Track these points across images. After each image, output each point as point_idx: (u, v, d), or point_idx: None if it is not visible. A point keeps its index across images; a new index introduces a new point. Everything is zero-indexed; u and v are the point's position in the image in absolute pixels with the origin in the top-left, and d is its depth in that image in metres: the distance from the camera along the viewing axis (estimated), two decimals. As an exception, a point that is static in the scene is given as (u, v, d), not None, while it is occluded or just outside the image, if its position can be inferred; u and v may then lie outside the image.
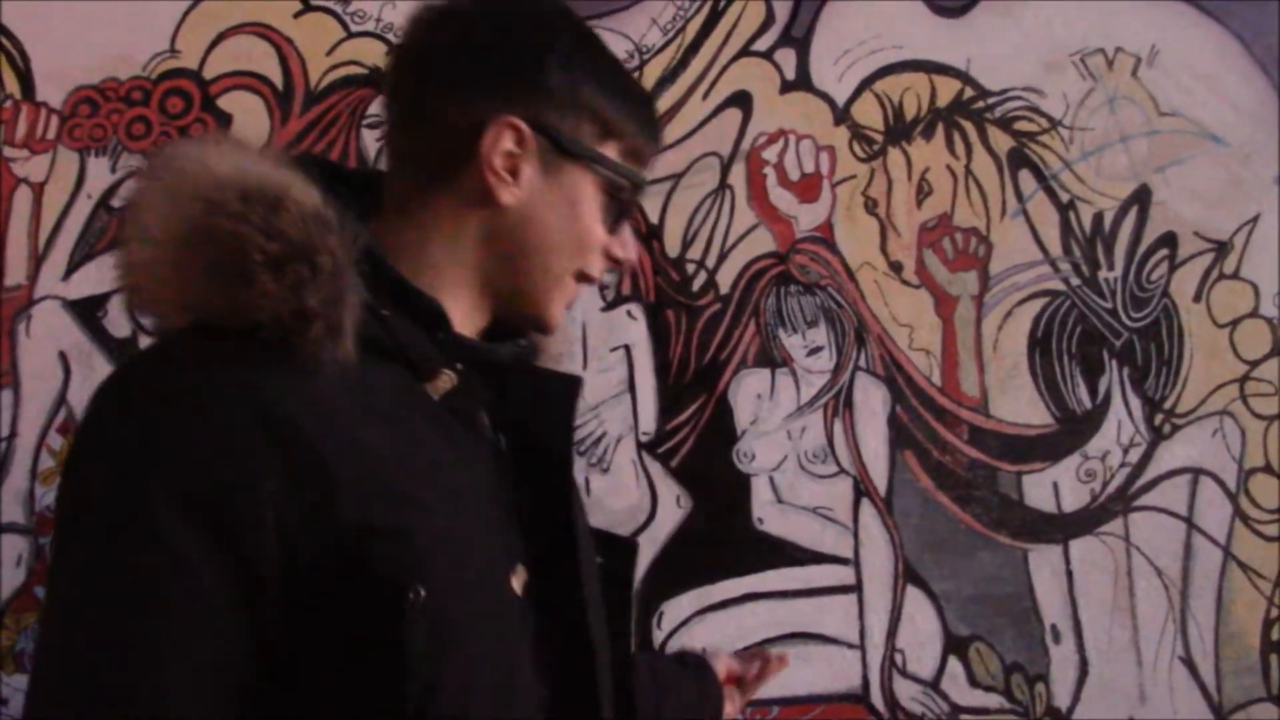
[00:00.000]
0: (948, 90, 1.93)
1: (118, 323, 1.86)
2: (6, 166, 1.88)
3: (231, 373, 0.78)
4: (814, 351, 1.89)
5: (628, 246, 1.00)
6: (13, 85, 1.87)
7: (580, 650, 0.92)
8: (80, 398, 1.85)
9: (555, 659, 0.89)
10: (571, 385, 0.98)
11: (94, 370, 1.84)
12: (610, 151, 0.94)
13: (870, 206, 1.91)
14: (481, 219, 0.92)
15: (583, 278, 0.98)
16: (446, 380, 0.88)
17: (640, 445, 1.87)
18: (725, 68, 1.92)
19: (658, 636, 1.84)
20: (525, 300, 0.95)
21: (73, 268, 1.87)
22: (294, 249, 0.79)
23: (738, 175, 1.90)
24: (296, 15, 1.89)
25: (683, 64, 1.91)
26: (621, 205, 0.97)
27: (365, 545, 0.76)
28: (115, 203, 1.86)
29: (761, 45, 1.92)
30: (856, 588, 1.86)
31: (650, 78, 1.90)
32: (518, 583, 0.87)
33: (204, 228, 0.79)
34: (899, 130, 1.92)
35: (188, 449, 0.75)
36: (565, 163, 0.92)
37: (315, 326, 0.78)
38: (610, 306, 1.88)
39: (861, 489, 1.87)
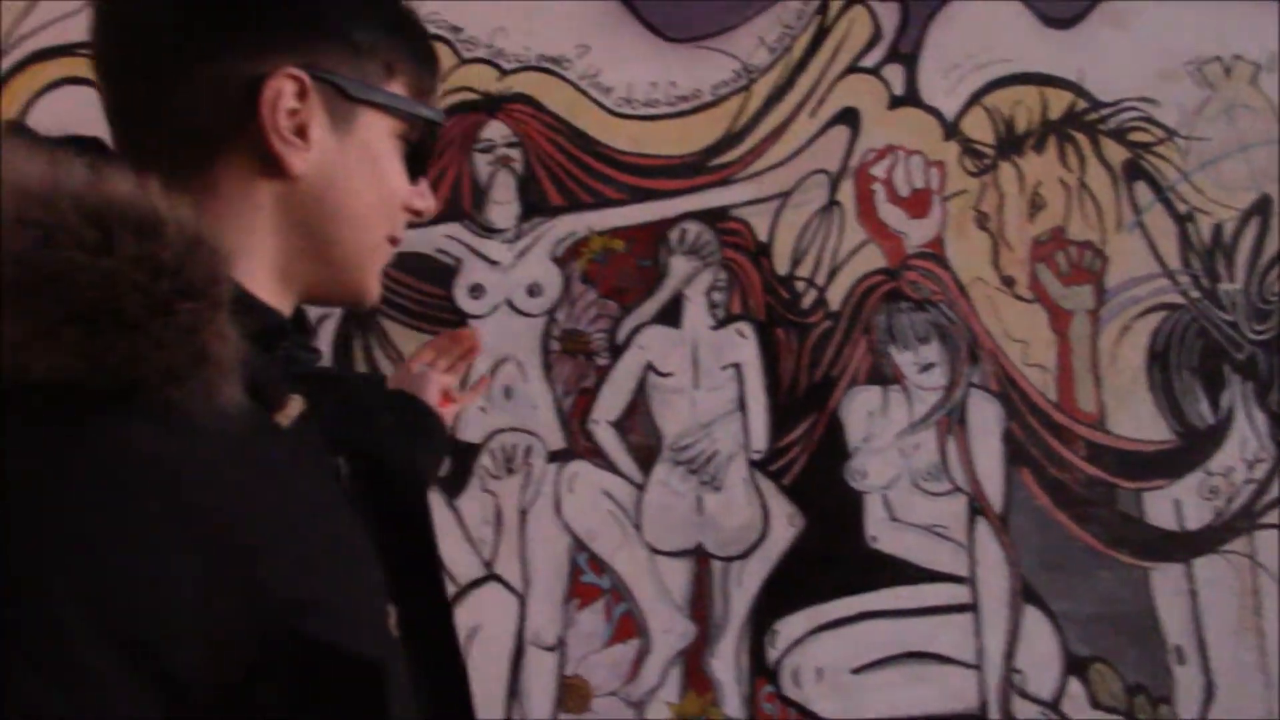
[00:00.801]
0: (1059, 102, 1.91)
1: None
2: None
3: (123, 447, 0.62)
4: (926, 368, 1.87)
5: (427, 195, 0.86)
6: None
7: (454, 685, 0.84)
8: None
9: (427, 698, 0.79)
10: (379, 385, 0.87)
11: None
12: (397, 89, 0.81)
13: (981, 221, 1.89)
14: (272, 194, 0.77)
15: (392, 240, 0.84)
16: (296, 405, 0.73)
17: (752, 463, 1.87)
18: (833, 85, 1.92)
19: (772, 655, 1.84)
20: (339, 278, 0.81)
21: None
22: (186, 285, 0.64)
23: (846, 192, 1.90)
24: (410, 43, 1.93)
25: (790, 82, 1.91)
26: (418, 151, 0.84)
27: (299, 625, 0.65)
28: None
29: (869, 61, 1.91)
30: (973, 607, 1.84)
31: (758, 97, 1.91)
32: (392, 622, 0.75)
33: (48, 266, 0.62)
34: (1010, 144, 1.90)
35: (90, 552, 0.60)
36: (356, 112, 0.78)
37: (210, 371, 0.64)
38: (720, 325, 1.89)
39: (976, 506, 1.85)
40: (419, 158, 0.84)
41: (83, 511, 0.60)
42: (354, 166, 0.79)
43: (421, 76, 0.83)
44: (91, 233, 0.63)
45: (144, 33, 0.76)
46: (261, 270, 0.77)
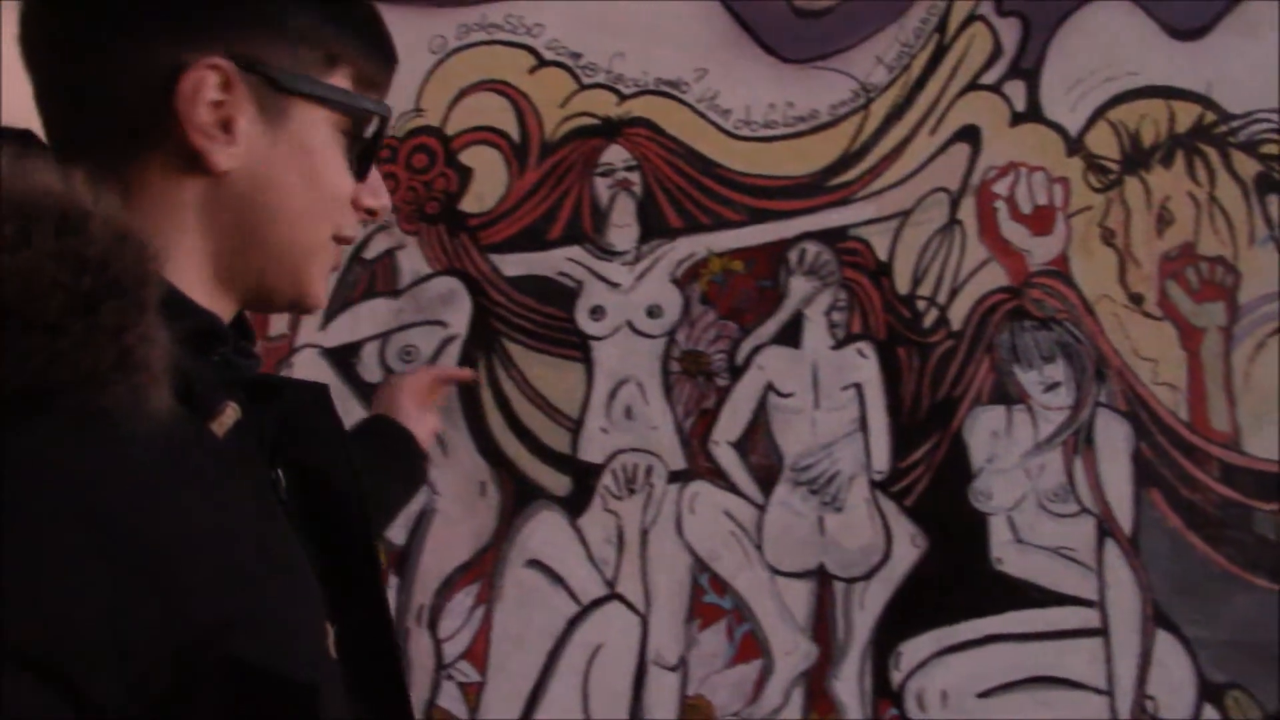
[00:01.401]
0: (1187, 115, 1.87)
1: (371, 369, 1.96)
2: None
3: (33, 455, 0.58)
4: (1051, 387, 1.85)
5: (380, 192, 0.82)
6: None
7: (394, 702, 0.80)
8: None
9: (368, 716, 0.77)
10: (322, 394, 0.82)
11: (349, 414, 1.93)
12: (340, 81, 0.77)
13: (1107, 238, 1.86)
14: (198, 191, 0.73)
15: (340, 239, 0.80)
16: (231, 414, 0.70)
17: (874, 484, 1.86)
18: (952, 102, 1.90)
19: (896, 678, 1.82)
20: (277, 282, 0.77)
21: (329, 318, 1.98)
22: (111, 283, 0.61)
23: (968, 210, 1.88)
24: (531, 71, 1.97)
25: (909, 101, 1.90)
26: (365, 145, 0.79)
27: (229, 646, 0.61)
28: (367, 256, 1.97)
29: (989, 78, 1.90)
30: (1102, 631, 1.80)
31: (876, 116, 1.90)
32: (330, 642, 0.72)
33: None
34: (1136, 159, 1.86)
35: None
36: (289, 104, 0.74)
37: (136, 375, 0.61)
38: (840, 345, 1.88)
39: (1105, 529, 1.81)
40: (369, 153, 0.80)
41: None
42: (286, 162, 0.74)
43: (369, 67, 0.79)
44: (8, 226, 0.59)
45: (65, 18, 0.72)
46: (194, 271, 0.73)
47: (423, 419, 1.45)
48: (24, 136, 0.72)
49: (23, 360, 0.58)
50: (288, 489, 0.76)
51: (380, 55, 0.80)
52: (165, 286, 0.65)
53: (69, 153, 0.68)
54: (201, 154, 0.71)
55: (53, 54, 0.73)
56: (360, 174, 0.80)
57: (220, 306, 0.76)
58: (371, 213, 0.82)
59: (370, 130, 0.79)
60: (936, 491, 1.84)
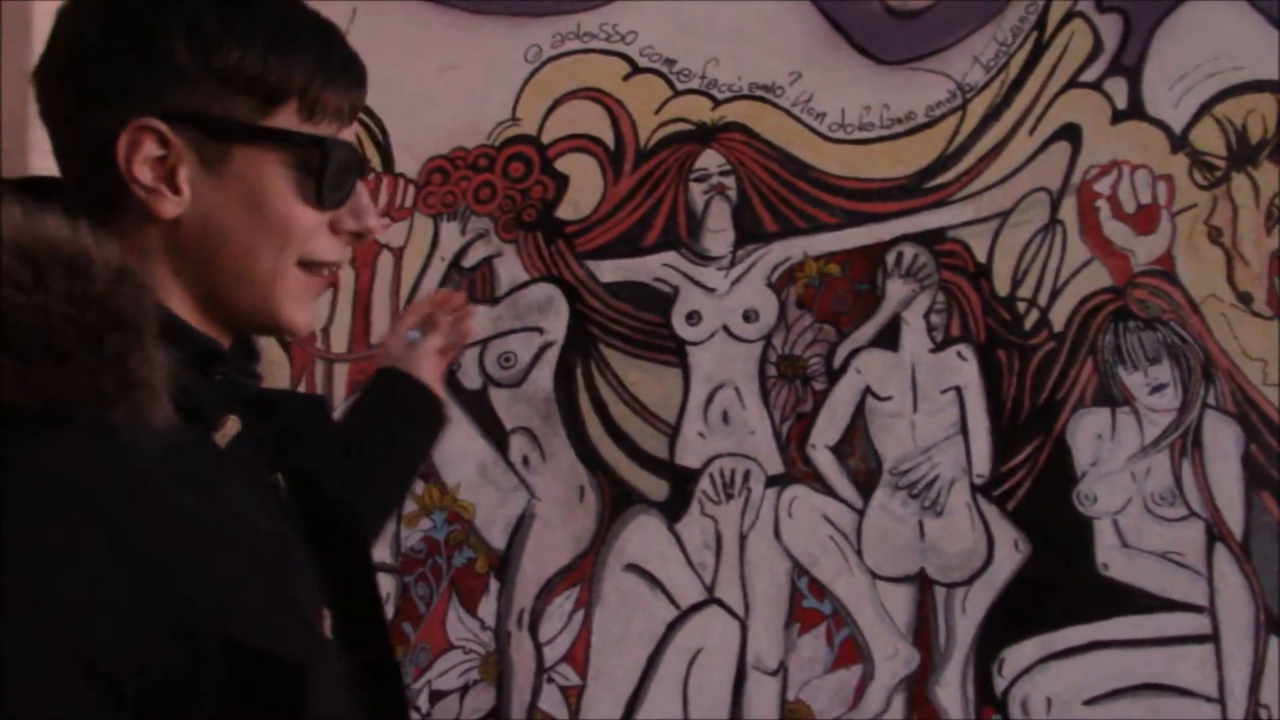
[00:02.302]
0: (1296, 110, 1.82)
1: (470, 375, 1.99)
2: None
3: (48, 467, 0.68)
4: (1157, 389, 1.81)
5: (361, 213, 0.85)
6: (374, 159, 2.03)
7: (387, 683, 0.89)
8: (438, 446, 1.99)
9: (364, 695, 0.85)
10: (319, 406, 0.91)
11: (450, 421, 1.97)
12: (285, 117, 0.79)
13: (1214, 236, 1.82)
14: (161, 238, 0.79)
15: (312, 265, 0.84)
16: (233, 425, 0.79)
17: (975, 488, 1.84)
18: (1052, 101, 1.87)
19: (999, 684, 1.80)
20: (249, 311, 0.83)
21: (429, 325, 2.01)
22: (112, 317, 0.69)
23: (1069, 210, 1.86)
24: (626, 78, 1.98)
25: (1007, 100, 1.88)
26: (328, 173, 0.81)
27: (226, 629, 0.70)
28: (466, 264, 2.00)
29: (1090, 76, 1.87)
30: (1213, 637, 1.77)
31: (974, 116, 1.88)
32: (327, 625, 0.81)
33: None
34: (1244, 154, 1.82)
35: (19, 570, 0.65)
36: (229, 149, 0.78)
37: (139, 394, 0.69)
38: (939, 348, 1.87)
39: (1215, 533, 1.78)
40: (339, 180, 0.82)
41: (10, 531, 0.65)
42: (230, 202, 0.79)
43: (318, 94, 0.81)
44: (25, 272, 0.68)
45: (44, 89, 0.80)
46: (181, 303, 0.80)
47: (434, 377, 1.43)
48: (36, 184, 0.81)
49: (39, 386, 0.67)
50: (287, 492, 0.85)
51: (330, 77, 0.82)
52: (164, 316, 0.74)
53: (72, 200, 0.76)
54: (148, 207, 0.78)
55: (45, 119, 0.81)
56: (319, 200, 0.82)
57: (215, 332, 0.83)
58: (358, 235, 0.86)
59: (334, 158, 0.82)
60: (1039, 496, 1.82)
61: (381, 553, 1.97)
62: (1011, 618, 1.81)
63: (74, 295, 0.69)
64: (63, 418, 0.68)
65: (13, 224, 0.70)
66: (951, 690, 1.82)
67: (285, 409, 0.88)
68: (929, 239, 1.88)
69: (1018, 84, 1.88)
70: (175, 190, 0.78)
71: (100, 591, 0.66)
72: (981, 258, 1.87)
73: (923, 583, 1.84)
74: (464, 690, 1.95)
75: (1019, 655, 1.81)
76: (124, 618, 0.66)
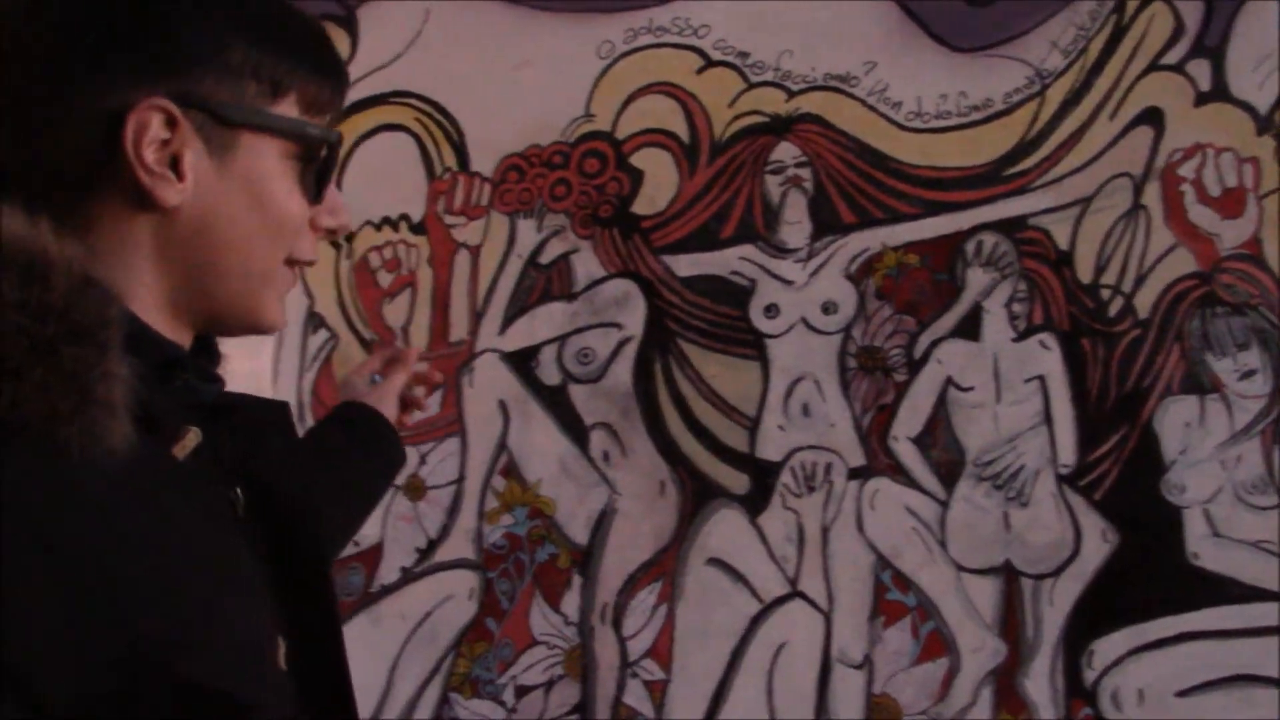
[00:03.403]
0: (1387, 88, 1.78)
1: (549, 371, 2.00)
2: (448, 232, 2.06)
3: None
4: (1247, 375, 1.78)
5: (338, 211, 0.84)
6: (450, 158, 2.05)
7: (342, 713, 0.83)
8: (518, 443, 2.01)
9: None
10: (280, 412, 0.86)
11: (529, 417, 1.99)
12: (287, 109, 0.78)
13: (1303, 218, 1.79)
14: (151, 228, 0.75)
15: (294, 262, 0.82)
16: (193, 438, 0.73)
17: (1060, 478, 1.82)
18: (1133, 85, 1.85)
19: (1089, 676, 1.78)
20: (232, 308, 0.80)
21: (507, 322, 2.02)
22: (72, 328, 0.64)
23: (1152, 195, 1.83)
24: (699, 71, 1.98)
25: (1086, 85, 1.86)
26: (319, 168, 0.81)
27: (170, 661, 0.65)
28: (542, 260, 2.01)
29: (1172, 58, 1.84)
30: (1310, 628, 1.73)
31: (1053, 102, 1.86)
32: (281, 656, 0.75)
33: None
34: (1333, 135, 1.79)
35: None
36: (235, 136, 0.76)
37: (94, 411, 0.64)
38: (1022, 337, 1.85)
39: (1309, 521, 1.74)
40: (324, 176, 0.81)
41: None
42: (234, 194, 0.76)
43: (316, 91, 0.80)
44: None
45: (14, 68, 0.74)
46: (153, 303, 0.76)
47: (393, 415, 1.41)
48: None
49: None
50: (245, 506, 0.79)
51: (327, 77, 0.81)
52: (128, 325, 0.68)
53: (29, 196, 0.70)
54: (149, 192, 0.73)
55: (4, 100, 0.74)
56: (315, 197, 0.81)
57: (178, 334, 0.79)
58: (332, 233, 0.85)
59: (323, 153, 0.81)
60: (1127, 485, 1.80)
61: (464, 548, 1.99)
62: (1101, 609, 1.79)
63: (28, 305, 0.63)
64: (10, 437, 0.63)
65: None
66: (1040, 683, 1.80)
67: (246, 414, 0.83)
68: (1009, 227, 1.86)
69: (1097, 68, 1.86)
70: (180, 177, 0.74)
71: (41, 618, 0.61)
72: (1063, 245, 1.85)
73: (1009, 574, 1.82)
74: (549, 685, 1.96)
75: (1109, 647, 1.78)
76: (59, 644, 0.62)
